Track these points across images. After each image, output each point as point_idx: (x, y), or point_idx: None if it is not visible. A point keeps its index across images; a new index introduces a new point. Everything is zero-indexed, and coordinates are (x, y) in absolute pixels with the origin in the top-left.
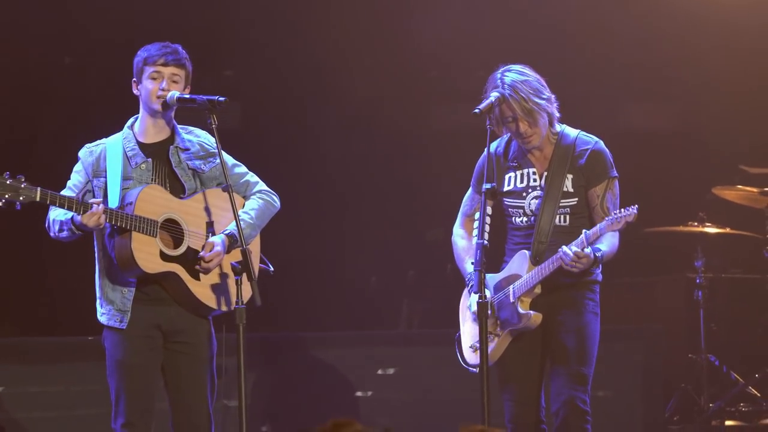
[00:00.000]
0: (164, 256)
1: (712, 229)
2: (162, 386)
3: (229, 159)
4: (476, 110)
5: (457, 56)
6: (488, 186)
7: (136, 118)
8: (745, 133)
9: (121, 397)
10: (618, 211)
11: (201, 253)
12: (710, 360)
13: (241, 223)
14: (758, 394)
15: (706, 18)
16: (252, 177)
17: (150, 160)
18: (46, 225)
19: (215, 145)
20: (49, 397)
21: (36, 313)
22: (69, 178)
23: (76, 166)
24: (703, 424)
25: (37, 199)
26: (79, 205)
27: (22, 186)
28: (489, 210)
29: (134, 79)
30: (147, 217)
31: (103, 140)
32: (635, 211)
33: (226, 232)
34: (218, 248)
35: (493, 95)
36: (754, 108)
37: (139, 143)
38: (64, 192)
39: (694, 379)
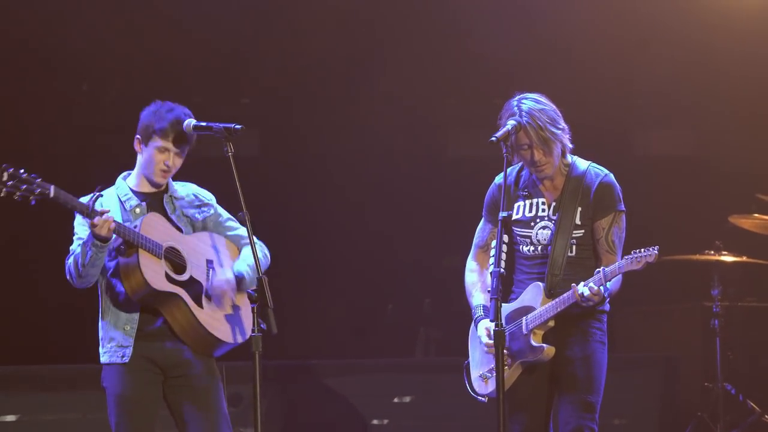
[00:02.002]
0: (169, 279)
1: (728, 258)
2: (164, 417)
3: (223, 213)
4: (493, 138)
5: (473, 83)
6: (504, 214)
7: (129, 174)
8: (762, 161)
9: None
10: (639, 250)
11: (207, 285)
12: (727, 388)
13: (248, 270)
14: None
15: (723, 46)
16: (244, 231)
17: (144, 204)
18: (68, 275)
19: (209, 196)
20: (65, 425)
21: (51, 341)
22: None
23: (77, 219)
24: None
25: (51, 195)
26: (90, 211)
27: (37, 181)
28: (506, 238)
29: (138, 136)
30: (152, 239)
31: (96, 194)
32: (656, 251)
33: (236, 272)
34: (229, 276)
35: (510, 123)
36: None
37: (132, 191)
38: (76, 239)
39: (711, 407)
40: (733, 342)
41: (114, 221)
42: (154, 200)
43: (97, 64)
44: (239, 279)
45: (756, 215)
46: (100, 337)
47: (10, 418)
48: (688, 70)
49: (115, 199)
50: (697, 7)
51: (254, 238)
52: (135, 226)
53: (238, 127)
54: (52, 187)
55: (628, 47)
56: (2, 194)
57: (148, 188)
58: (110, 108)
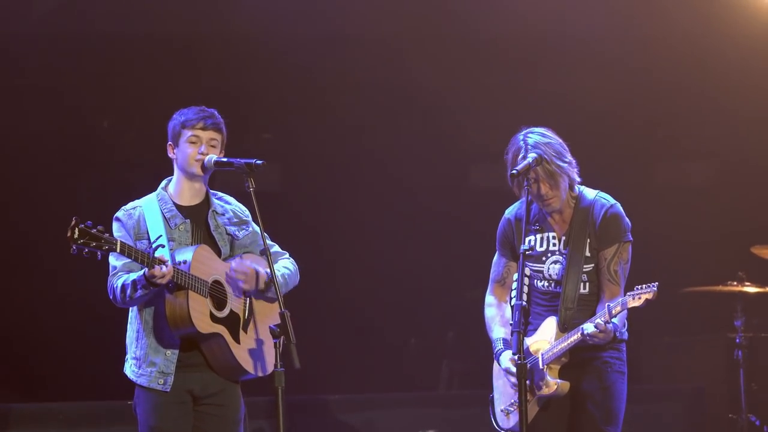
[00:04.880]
0: (213, 317)
1: (751, 289)
2: None
3: (258, 229)
4: (514, 171)
5: (494, 116)
6: (525, 247)
7: (170, 180)
8: None
9: None
10: (640, 287)
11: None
12: (751, 420)
13: (277, 275)
14: None
15: (745, 76)
16: (278, 248)
17: (188, 221)
18: (111, 294)
19: (247, 213)
20: None
21: (76, 378)
22: None
23: (116, 229)
24: None
25: (117, 250)
26: (151, 259)
27: (105, 236)
28: (528, 271)
29: (170, 142)
30: (201, 278)
31: (137, 202)
32: (655, 288)
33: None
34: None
35: (531, 156)
36: None
37: (175, 204)
38: (116, 257)
39: None
40: (758, 373)
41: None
42: (197, 216)
43: (118, 102)
44: (268, 279)
45: None
46: (134, 356)
47: None
48: (709, 100)
49: (159, 215)
50: (718, 39)
51: (286, 254)
52: (184, 262)
53: (259, 162)
54: (119, 242)
55: (651, 79)
56: (73, 251)
57: (189, 200)
58: (131, 144)
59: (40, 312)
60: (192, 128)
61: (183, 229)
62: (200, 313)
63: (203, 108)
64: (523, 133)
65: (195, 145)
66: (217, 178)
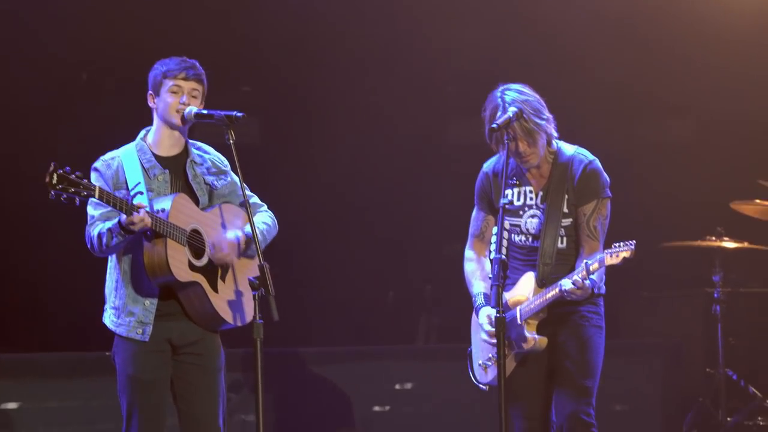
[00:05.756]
0: (191, 266)
1: (730, 244)
2: (171, 401)
3: (238, 180)
4: (494, 125)
5: (474, 71)
6: (506, 200)
7: (148, 130)
8: (764, 147)
9: (134, 413)
10: (617, 244)
11: (211, 252)
12: (728, 374)
13: (257, 232)
14: None
15: (724, 32)
16: (257, 199)
17: (167, 171)
18: (89, 243)
19: (225, 162)
20: (67, 413)
21: (53, 328)
22: None
23: (94, 179)
24: None
25: (96, 196)
26: (129, 206)
27: (83, 182)
28: (507, 224)
29: (150, 92)
30: (179, 226)
31: (116, 152)
32: (632, 246)
33: (245, 232)
34: (233, 240)
35: (511, 110)
36: None
37: (154, 155)
38: (94, 206)
39: (712, 393)
40: (735, 328)
41: (149, 216)
42: (176, 166)
43: (96, 54)
44: (248, 239)
45: (757, 201)
46: (113, 305)
47: (12, 405)
48: (688, 56)
49: (137, 165)
50: None
51: (264, 205)
52: (163, 211)
53: (239, 114)
54: (98, 188)
55: (629, 34)
56: (51, 197)
57: (168, 150)
58: (110, 96)
59: (16, 261)
60: (174, 78)
61: (162, 180)
62: (178, 261)
63: (185, 58)
64: (500, 89)
65: (176, 95)
66: (197, 130)
